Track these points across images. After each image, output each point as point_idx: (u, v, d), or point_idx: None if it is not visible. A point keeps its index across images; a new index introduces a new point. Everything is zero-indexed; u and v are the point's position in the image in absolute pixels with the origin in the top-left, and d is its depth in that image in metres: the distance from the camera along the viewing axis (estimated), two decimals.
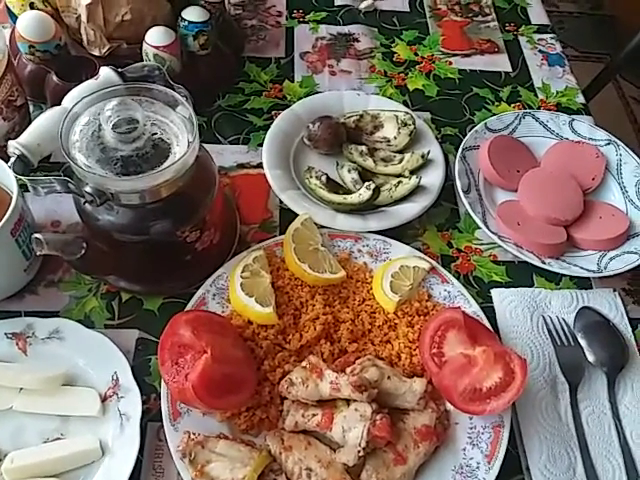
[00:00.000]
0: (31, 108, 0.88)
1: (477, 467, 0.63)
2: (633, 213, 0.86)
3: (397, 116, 0.89)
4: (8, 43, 0.80)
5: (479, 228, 0.83)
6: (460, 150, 0.89)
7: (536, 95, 1.03)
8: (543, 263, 0.79)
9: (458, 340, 0.67)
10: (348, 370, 0.64)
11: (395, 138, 0.89)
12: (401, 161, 0.87)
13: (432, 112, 0.98)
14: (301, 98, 0.95)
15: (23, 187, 0.67)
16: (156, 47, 0.84)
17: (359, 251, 0.78)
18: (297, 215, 0.79)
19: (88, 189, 0.59)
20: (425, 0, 1.16)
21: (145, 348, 0.71)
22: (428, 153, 0.87)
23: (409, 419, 0.64)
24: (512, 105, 1.01)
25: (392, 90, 1.01)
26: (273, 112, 0.95)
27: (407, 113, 0.90)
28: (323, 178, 0.84)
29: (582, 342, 0.74)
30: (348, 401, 0.63)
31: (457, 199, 0.88)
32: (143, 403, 0.64)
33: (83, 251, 0.65)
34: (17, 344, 0.68)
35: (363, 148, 0.88)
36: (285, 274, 0.74)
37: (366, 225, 0.80)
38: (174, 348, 0.62)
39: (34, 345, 0.68)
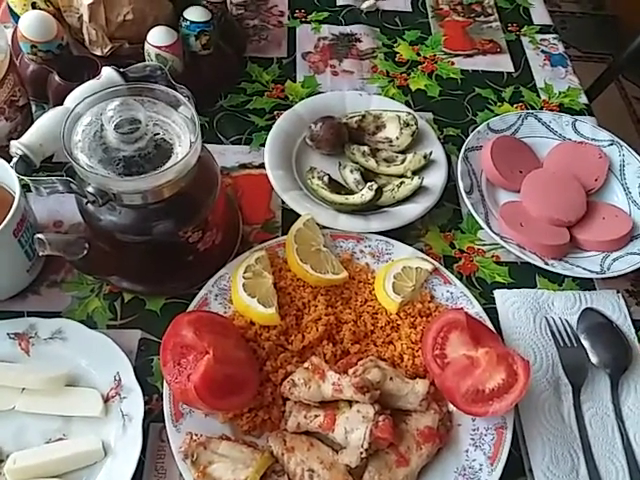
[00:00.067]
0: (33, 108, 0.88)
1: (480, 469, 0.63)
2: (636, 214, 0.85)
3: (399, 116, 0.89)
4: (10, 43, 0.80)
5: (482, 229, 0.83)
6: (462, 151, 0.88)
7: (539, 95, 1.03)
8: (546, 264, 0.79)
9: (461, 341, 0.67)
10: (350, 371, 0.64)
11: (397, 138, 0.89)
12: (403, 162, 0.87)
13: (434, 112, 0.98)
14: (303, 98, 0.95)
15: (25, 187, 0.67)
16: (158, 47, 0.84)
17: (361, 252, 0.78)
18: (299, 216, 0.79)
19: (90, 189, 0.59)
20: (427, 0, 1.16)
21: (147, 349, 0.71)
22: (430, 154, 0.87)
23: (411, 420, 0.64)
24: (514, 105, 1.01)
25: (394, 90, 1.00)
26: (275, 112, 0.94)
27: (409, 113, 0.90)
28: (325, 178, 0.84)
29: (585, 343, 0.74)
30: (350, 402, 0.63)
31: (459, 200, 0.88)
32: (145, 404, 0.64)
33: (85, 251, 0.65)
34: (20, 344, 0.68)
35: (365, 148, 0.88)
36: (287, 275, 0.74)
37: (368, 226, 0.80)
38: (176, 349, 0.62)
39: (37, 345, 0.68)
